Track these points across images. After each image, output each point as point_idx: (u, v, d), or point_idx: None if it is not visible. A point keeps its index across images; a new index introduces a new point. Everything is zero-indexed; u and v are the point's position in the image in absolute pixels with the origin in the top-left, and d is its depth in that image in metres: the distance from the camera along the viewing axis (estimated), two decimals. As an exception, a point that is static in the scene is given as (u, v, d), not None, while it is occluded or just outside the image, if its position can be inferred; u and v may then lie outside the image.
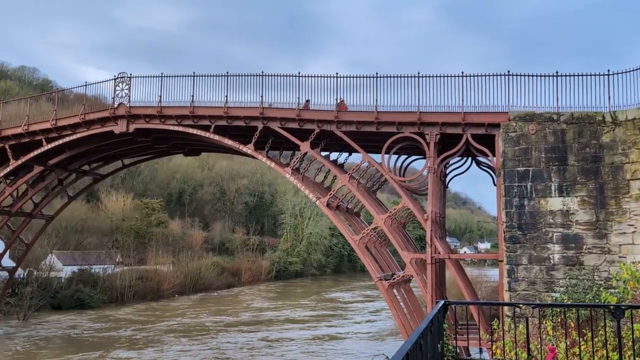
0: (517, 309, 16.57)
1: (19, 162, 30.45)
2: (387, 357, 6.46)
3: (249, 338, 35.47)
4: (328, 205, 25.00)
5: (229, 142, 26.74)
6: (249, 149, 26.35)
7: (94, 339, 34.85)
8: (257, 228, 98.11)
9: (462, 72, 22.18)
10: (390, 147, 23.82)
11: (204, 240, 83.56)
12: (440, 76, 22.64)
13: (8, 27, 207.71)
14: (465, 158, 26.24)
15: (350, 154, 28.85)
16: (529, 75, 21.44)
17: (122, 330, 38.44)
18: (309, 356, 30.10)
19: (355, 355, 30.19)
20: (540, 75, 21.31)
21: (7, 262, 41.36)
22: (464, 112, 22.16)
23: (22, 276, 47.01)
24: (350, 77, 24.33)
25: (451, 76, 22.47)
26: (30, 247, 39.46)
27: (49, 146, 29.73)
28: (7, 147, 30.47)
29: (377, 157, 24.88)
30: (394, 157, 25.66)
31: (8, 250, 38.77)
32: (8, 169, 30.76)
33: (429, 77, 22.78)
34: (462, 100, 22.23)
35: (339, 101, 24.37)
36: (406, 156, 27.78)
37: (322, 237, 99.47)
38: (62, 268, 54.76)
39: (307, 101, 24.86)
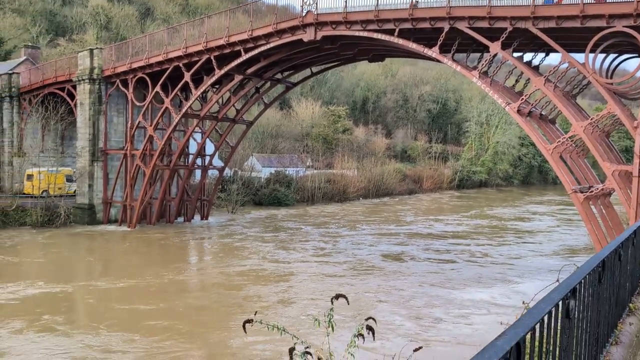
0: None
1: (223, 71, 33.60)
2: (578, 267, 6.02)
3: (414, 246, 35.68)
4: (519, 111, 23.39)
5: (413, 45, 26.08)
6: (433, 52, 25.45)
7: (292, 227, 38.91)
8: (440, 136, 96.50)
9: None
10: (597, 44, 21.05)
11: (387, 147, 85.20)
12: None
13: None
14: (694, 55, 22.18)
15: (546, 55, 26.22)
16: None
17: (315, 223, 42.19)
18: (480, 268, 29.32)
19: (538, 268, 28.84)
20: None
21: (217, 162, 47.58)
22: (698, -2, 18.43)
23: (229, 175, 53.52)
24: (551, -35, 21.54)
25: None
26: (234, 149, 44.37)
27: (247, 56, 32.15)
28: (212, 57, 33.69)
29: (578, 57, 22.28)
30: (600, 56, 22.72)
31: (217, 152, 44.02)
32: (214, 78, 34.23)
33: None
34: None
35: None
36: (616, 55, 24.40)
37: (510, 147, 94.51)
38: (261, 169, 60.99)
39: None
